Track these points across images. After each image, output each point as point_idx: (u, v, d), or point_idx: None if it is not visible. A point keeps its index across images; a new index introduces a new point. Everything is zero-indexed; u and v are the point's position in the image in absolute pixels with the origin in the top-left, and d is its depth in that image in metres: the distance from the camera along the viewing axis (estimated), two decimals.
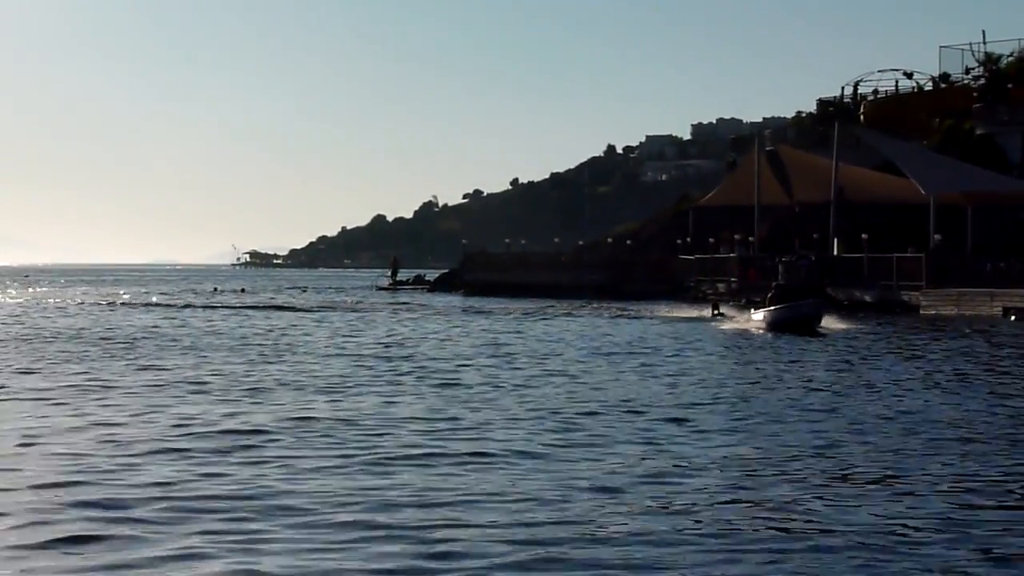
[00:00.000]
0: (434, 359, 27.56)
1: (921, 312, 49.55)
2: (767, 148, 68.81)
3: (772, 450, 14.45)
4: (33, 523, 10.35)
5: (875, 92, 78.08)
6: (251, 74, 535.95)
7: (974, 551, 9.63)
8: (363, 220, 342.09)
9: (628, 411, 18.07)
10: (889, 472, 12.98)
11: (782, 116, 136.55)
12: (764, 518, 10.59)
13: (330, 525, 10.35)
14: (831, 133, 62.17)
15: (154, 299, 69.60)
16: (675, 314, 48.36)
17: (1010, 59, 74.29)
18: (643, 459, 13.71)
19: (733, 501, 11.36)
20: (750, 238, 63.69)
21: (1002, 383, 22.49)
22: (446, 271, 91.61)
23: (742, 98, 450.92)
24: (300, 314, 52.21)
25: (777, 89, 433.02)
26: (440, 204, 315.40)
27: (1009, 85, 70.41)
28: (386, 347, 31.54)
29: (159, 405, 18.55)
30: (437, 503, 11.24)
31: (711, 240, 65.88)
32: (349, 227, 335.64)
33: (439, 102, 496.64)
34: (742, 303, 46.81)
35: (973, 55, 75.74)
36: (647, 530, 10.16)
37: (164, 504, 11.07)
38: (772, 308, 38.49)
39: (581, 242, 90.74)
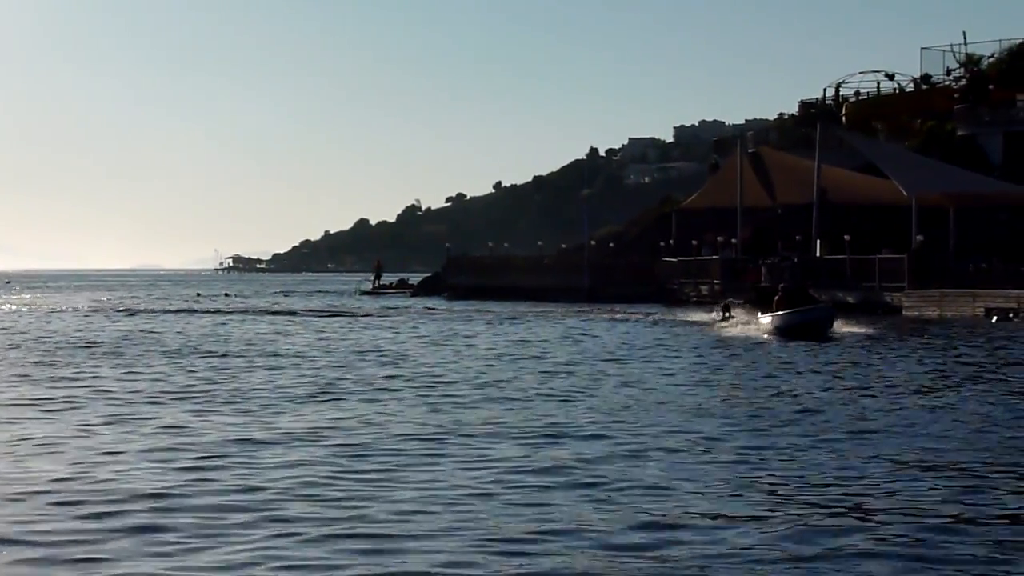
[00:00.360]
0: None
1: (904, 313, 49.58)
2: (749, 150, 68.82)
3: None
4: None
5: (857, 93, 78.21)
6: (234, 79, 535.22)
7: None
8: (346, 224, 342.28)
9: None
10: None
11: (764, 118, 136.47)
12: None
13: None
14: (813, 135, 62.21)
15: (141, 304, 69.41)
16: (683, 317, 47.09)
17: (991, 60, 74.48)
18: None
19: None
20: (733, 240, 63.73)
21: None
22: (429, 275, 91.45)
23: (724, 100, 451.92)
24: (299, 319, 52.11)
25: (759, 91, 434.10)
26: (423, 208, 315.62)
27: (990, 86, 70.58)
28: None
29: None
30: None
31: (694, 242, 65.92)
32: (332, 231, 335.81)
33: (421, 106, 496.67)
34: (727, 303, 45.59)
35: (954, 56, 75.95)
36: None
37: None
38: (782, 312, 37.08)
39: (564, 245, 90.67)
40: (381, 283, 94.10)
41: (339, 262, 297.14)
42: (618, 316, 50.28)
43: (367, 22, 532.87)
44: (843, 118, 74.44)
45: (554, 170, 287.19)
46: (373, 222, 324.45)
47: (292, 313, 58.25)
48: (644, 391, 21.27)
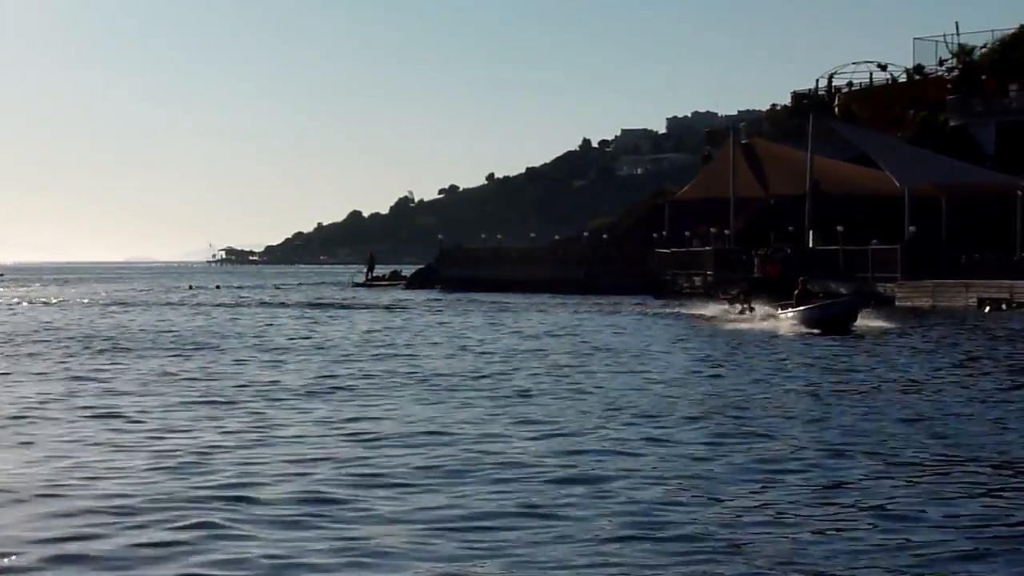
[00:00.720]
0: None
1: (897, 304, 49.63)
2: (742, 141, 68.79)
3: None
4: None
5: (850, 84, 78.21)
6: (227, 72, 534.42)
7: None
8: (339, 216, 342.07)
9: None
10: None
11: (757, 109, 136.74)
12: None
13: None
14: (806, 126, 62.18)
15: (141, 296, 69.27)
16: (698, 311, 45.33)
17: (983, 51, 74.52)
18: None
19: None
20: (726, 231, 63.72)
21: None
22: (422, 267, 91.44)
23: (717, 91, 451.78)
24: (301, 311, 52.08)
25: (752, 82, 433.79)
26: (416, 199, 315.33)
27: (983, 77, 70.59)
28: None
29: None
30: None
31: (687, 234, 65.92)
32: (325, 223, 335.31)
33: (414, 98, 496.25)
34: (746, 296, 43.79)
35: (947, 47, 75.99)
36: None
37: None
38: (806, 307, 35.71)
39: (557, 237, 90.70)
40: (374, 275, 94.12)
41: (332, 254, 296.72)
42: (635, 310, 48.90)
43: (360, 14, 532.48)
44: (836, 109, 74.45)
45: (547, 162, 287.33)
46: (366, 214, 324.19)
47: (328, 306, 56.77)
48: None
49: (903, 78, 77.51)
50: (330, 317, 46.45)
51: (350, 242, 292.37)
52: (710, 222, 64.36)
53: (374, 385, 21.31)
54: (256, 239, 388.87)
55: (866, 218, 57.70)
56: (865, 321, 35.46)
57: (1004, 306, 46.03)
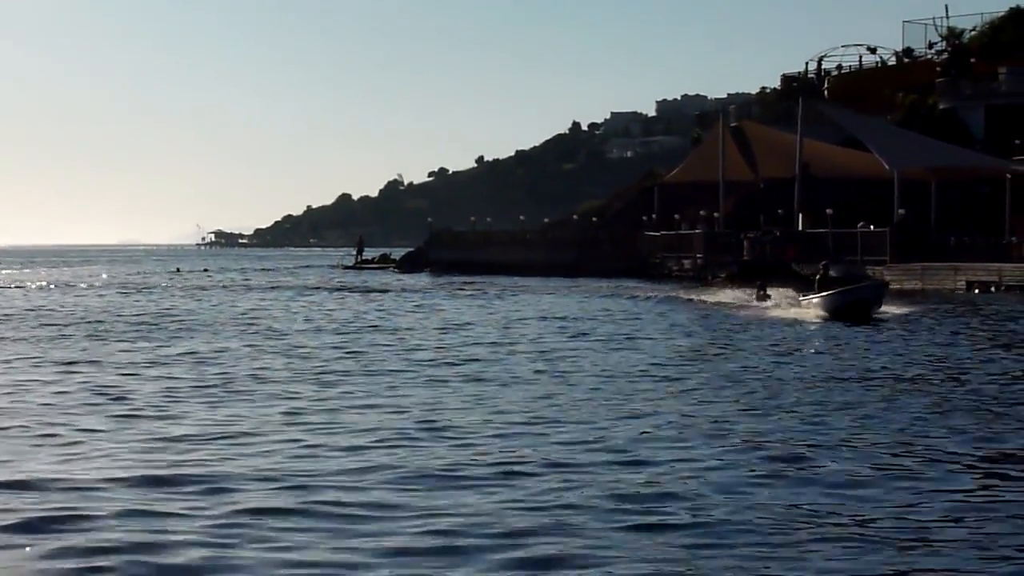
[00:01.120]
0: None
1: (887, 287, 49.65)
2: (732, 124, 68.84)
3: None
4: None
5: (839, 67, 78.25)
6: (215, 55, 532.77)
7: None
8: (328, 199, 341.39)
9: None
10: None
11: (746, 92, 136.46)
12: None
13: None
14: (795, 109, 62.18)
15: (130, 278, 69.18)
16: (715, 298, 43.20)
17: (973, 33, 74.55)
18: None
19: None
20: (715, 214, 63.77)
21: None
22: (412, 250, 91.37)
23: (707, 74, 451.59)
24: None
25: (741, 65, 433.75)
26: (405, 183, 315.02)
27: (972, 59, 70.62)
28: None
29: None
30: None
31: (677, 216, 65.96)
32: (315, 206, 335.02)
33: (404, 81, 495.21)
34: (762, 283, 41.70)
35: (936, 30, 76.03)
36: None
37: None
38: (827, 293, 33.94)
39: (547, 220, 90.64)
40: (364, 258, 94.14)
41: (321, 237, 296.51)
42: (637, 295, 46.68)
43: None
44: (825, 92, 74.46)
45: (537, 145, 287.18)
46: (355, 197, 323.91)
47: (341, 289, 55.81)
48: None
49: (892, 61, 77.55)
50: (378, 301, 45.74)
51: (340, 225, 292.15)
52: (700, 205, 64.39)
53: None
54: (245, 222, 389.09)
55: (855, 201, 57.75)
56: (888, 307, 34.11)
57: (993, 289, 46.13)
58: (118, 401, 17.01)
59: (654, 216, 68.67)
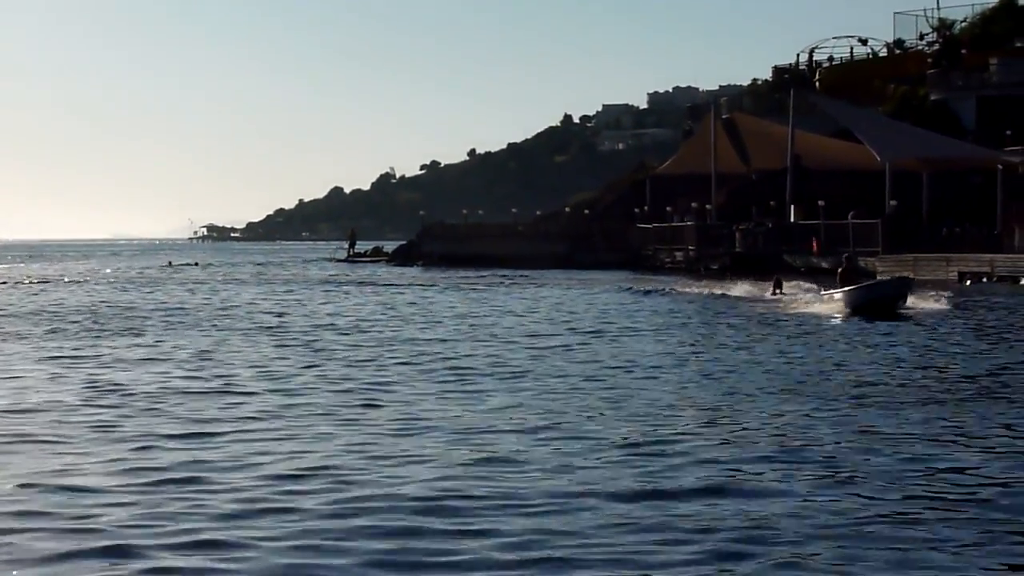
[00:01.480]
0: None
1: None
2: (723, 116, 68.88)
3: None
4: None
5: (830, 59, 78.30)
6: (206, 47, 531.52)
7: None
8: (320, 192, 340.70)
9: None
10: None
11: (738, 84, 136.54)
12: None
13: None
14: (787, 100, 62.27)
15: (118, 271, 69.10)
16: (731, 292, 40.96)
17: (963, 25, 74.65)
18: None
19: None
20: (707, 206, 63.82)
21: None
22: (404, 243, 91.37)
23: (698, 66, 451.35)
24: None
25: (733, 57, 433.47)
26: (397, 176, 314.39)
27: (963, 51, 70.72)
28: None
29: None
30: None
31: (668, 208, 66.02)
32: (307, 199, 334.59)
33: (395, 73, 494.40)
34: (778, 278, 40.08)
35: (927, 21, 76.17)
36: None
37: None
38: (850, 288, 32.44)
39: (539, 212, 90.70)
40: (356, 251, 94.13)
41: (313, 230, 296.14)
42: (648, 288, 44.93)
43: None
44: (817, 83, 74.53)
45: (528, 137, 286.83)
46: (347, 190, 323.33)
47: (361, 283, 54.21)
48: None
49: (883, 52, 77.63)
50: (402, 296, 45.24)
51: (332, 218, 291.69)
52: (692, 197, 64.45)
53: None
54: (237, 216, 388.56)
55: (847, 192, 57.84)
56: (918, 303, 32.58)
57: (984, 279, 46.20)
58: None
59: (646, 208, 68.72)
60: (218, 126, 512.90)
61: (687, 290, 43.44)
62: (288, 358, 22.12)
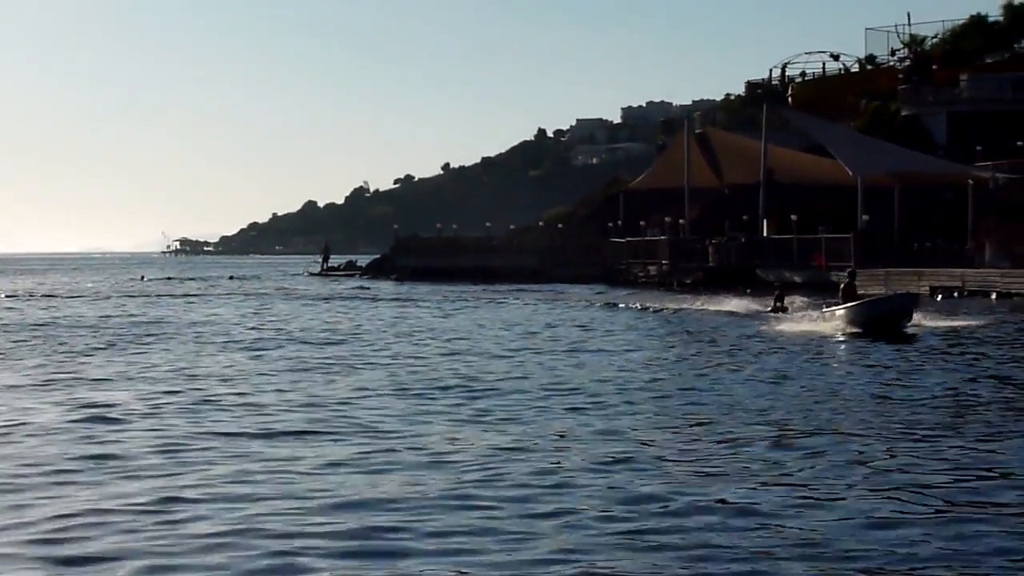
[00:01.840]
0: None
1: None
2: (696, 131, 69.09)
3: None
4: None
5: (803, 74, 78.77)
6: (179, 60, 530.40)
7: None
8: (294, 206, 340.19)
9: None
10: None
11: (711, 99, 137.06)
12: None
13: None
14: (760, 115, 62.52)
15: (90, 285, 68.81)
16: (724, 307, 39.52)
17: (935, 41, 75.19)
18: None
19: None
20: (680, 220, 64.00)
21: None
22: (378, 256, 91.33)
23: (672, 81, 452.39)
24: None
25: (706, 72, 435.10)
26: (371, 189, 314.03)
27: (934, 66, 71.23)
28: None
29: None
30: None
31: (642, 223, 66.17)
32: (280, 213, 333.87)
33: (369, 87, 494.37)
34: (780, 293, 38.60)
35: (898, 37, 76.69)
36: None
37: None
38: (853, 304, 30.84)
39: (513, 226, 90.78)
40: (329, 265, 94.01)
41: (287, 244, 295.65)
42: (633, 307, 43.36)
43: (313, 5, 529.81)
44: (789, 99, 74.90)
45: (502, 151, 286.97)
46: (321, 204, 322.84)
47: (369, 298, 53.53)
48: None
49: (855, 68, 78.13)
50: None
51: (305, 232, 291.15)
52: (665, 211, 64.63)
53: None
54: (211, 229, 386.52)
55: (820, 207, 58.09)
56: (925, 320, 31.13)
57: (956, 294, 46.45)
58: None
59: (620, 222, 68.87)
60: (192, 140, 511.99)
61: (684, 307, 41.51)
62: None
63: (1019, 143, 58.68)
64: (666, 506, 10.65)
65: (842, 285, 33.00)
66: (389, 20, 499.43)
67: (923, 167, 58.37)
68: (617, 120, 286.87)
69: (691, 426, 15.33)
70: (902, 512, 10.50)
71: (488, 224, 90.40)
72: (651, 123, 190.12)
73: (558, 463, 12.70)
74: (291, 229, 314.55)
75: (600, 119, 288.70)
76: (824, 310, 32.20)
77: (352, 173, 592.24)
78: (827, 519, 10.24)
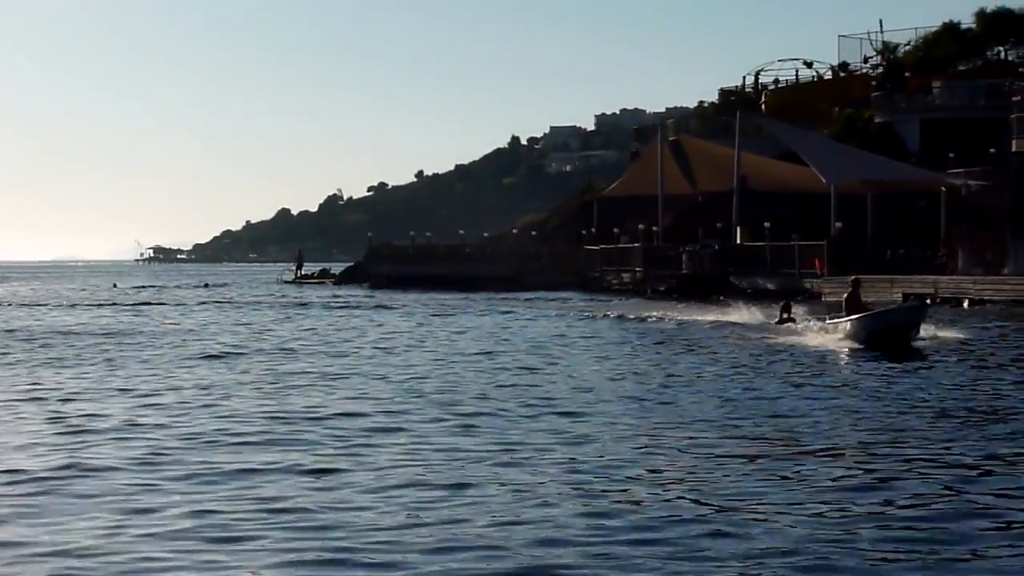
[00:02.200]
0: None
1: (824, 299, 49.97)
2: (670, 138, 69.13)
3: None
4: None
5: (776, 81, 78.90)
6: (152, 67, 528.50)
7: None
8: (268, 214, 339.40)
9: None
10: None
11: (684, 106, 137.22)
12: None
13: None
14: (733, 123, 62.61)
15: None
16: (728, 318, 37.73)
17: (907, 48, 75.49)
18: None
19: None
20: (654, 228, 64.01)
21: None
22: (351, 264, 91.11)
23: (645, 88, 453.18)
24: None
25: (679, 79, 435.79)
26: (345, 197, 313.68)
27: (907, 74, 71.47)
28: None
29: None
30: None
31: (616, 230, 66.17)
32: (254, 221, 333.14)
33: (342, 95, 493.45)
34: (786, 303, 36.10)
35: (871, 44, 76.94)
36: None
37: None
38: (858, 316, 29.32)
39: (486, 234, 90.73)
40: (303, 273, 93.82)
41: (261, 252, 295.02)
42: (628, 316, 41.27)
43: (286, 12, 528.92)
44: (763, 106, 75.02)
45: (476, 159, 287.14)
46: (295, 212, 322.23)
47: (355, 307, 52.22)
48: None
49: (828, 75, 78.32)
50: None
51: (279, 240, 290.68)
52: (639, 219, 64.64)
53: None
54: (184, 237, 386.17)
55: (793, 214, 58.18)
56: (936, 332, 29.91)
57: (928, 301, 46.47)
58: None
59: (593, 230, 68.87)
60: (165, 148, 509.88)
61: (687, 317, 39.35)
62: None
63: (992, 150, 58.86)
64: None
65: (846, 295, 31.63)
66: (362, 29, 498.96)
67: (896, 174, 58.51)
68: (591, 128, 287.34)
69: (736, 447, 14.30)
70: (895, 519, 10.50)
71: (462, 232, 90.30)
72: (624, 131, 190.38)
73: (535, 478, 12.53)
74: (265, 237, 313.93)
75: (574, 126, 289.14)
76: (827, 321, 30.97)
77: (326, 181, 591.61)
78: (824, 527, 10.22)
